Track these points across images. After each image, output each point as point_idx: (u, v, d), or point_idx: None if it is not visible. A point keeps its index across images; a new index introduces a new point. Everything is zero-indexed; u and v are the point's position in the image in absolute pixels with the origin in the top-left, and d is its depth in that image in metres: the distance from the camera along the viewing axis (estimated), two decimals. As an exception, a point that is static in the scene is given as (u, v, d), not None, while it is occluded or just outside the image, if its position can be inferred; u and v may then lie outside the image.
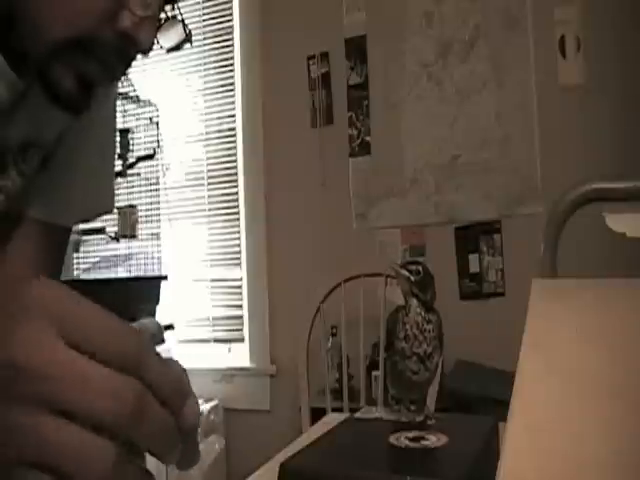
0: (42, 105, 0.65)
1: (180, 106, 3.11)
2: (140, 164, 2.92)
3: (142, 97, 2.93)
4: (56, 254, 0.82)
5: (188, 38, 0.68)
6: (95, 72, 0.60)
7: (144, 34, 0.59)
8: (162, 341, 2.62)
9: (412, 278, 0.83)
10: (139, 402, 0.33)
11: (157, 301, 2.65)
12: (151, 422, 0.33)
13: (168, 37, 0.66)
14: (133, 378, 0.33)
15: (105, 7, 0.57)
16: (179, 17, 0.66)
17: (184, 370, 0.39)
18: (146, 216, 2.91)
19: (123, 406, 0.32)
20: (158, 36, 0.63)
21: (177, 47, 0.67)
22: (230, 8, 3.01)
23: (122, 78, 0.66)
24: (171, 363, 0.36)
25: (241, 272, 2.95)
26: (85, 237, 3.01)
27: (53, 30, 0.57)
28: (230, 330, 2.99)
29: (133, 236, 2.89)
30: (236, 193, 2.98)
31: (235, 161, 2.99)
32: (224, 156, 3.03)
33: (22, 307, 0.33)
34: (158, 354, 0.35)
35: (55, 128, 0.72)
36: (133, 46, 0.59)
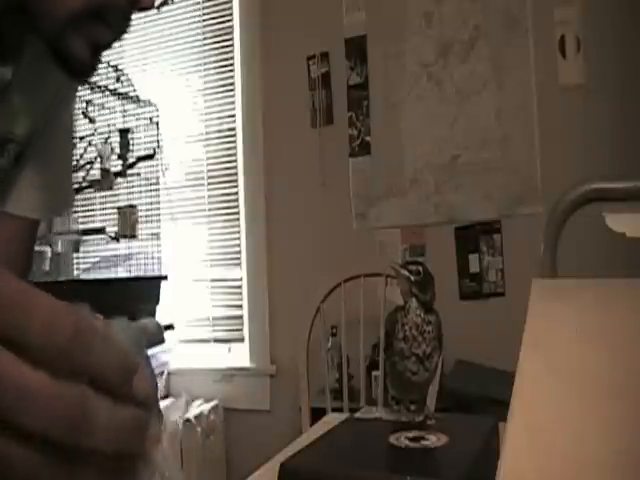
0: (20, 97, 0.66)
1: (180, 106, 3.11)
2: (140, 164, 2.92)
3: (142, 97, 2.93)
4: (27, 248, 0.84)
5: None
6: (106, 37, 0.63)
7: None
8: (162, 341, 2.62)
9: (412, 278, 0.83)
10: (79, 417, 0.28)
11: (157, 301, 2.65)
12: (102, 428, 0.28)
13: None
14: (67, 387, 0.28)
15: None
16: None
17: (128, 335, 0.34)
18: (146, 216, 2.91)
19: (61, 424, 0.27)
20: None
21: (163, 4, 0.69)
22: (230, 8, 3.01)
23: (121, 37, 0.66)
24: (109, 337, 0.30)
25: (241, 272, 2.95)
26: (85, 237, 3.01)
27: (69, 2, 0.59)
28: (230, 330, 2.99)
29: (133, 236, 2.89)
30: (236, 193, 2.98)
31: (235, 161, 2.99)
32: (224, 156, 3.03)
33: None
34: (93, 330, 0.29)
35: (29, 124, 0.74)
36: (139, 6, 0.62)
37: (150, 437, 0.31)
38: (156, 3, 0.67)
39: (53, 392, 0.27)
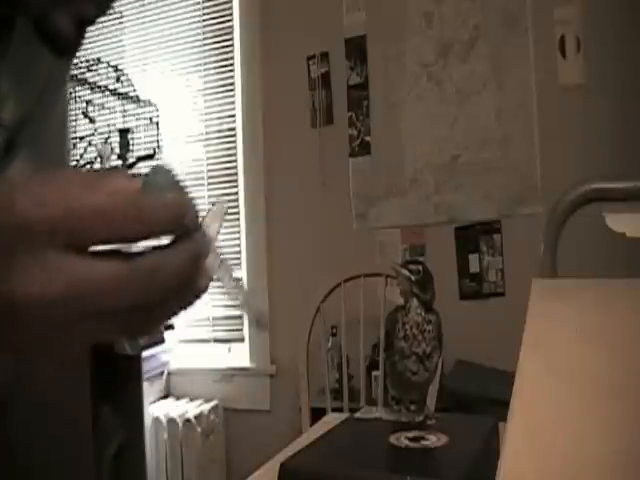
0: (8, 80, 0.66)
1: (180, 106, 3.11)
2: (140, 164, 2.91)
3: (142, 97, 2.93)
4: None
5: None
6: (90, 11, 0.62)
7: None
8: (162, 341, 2.62)
9: (413, 278, 0.83)
10: (152, 287, 0.33)
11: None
12: (177, 289, 0.34)
13: None
14: (136, 265, 0.33)
15: None
16: None
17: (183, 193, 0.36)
18: (146, 216, 2.90)
19: (136, 296, 0.33)
20: None
21: None
22: (230, 8, 3.01)
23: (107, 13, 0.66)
24: (165, 193, 0.34)
25: (241, 272, 2.95)
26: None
27: None
28: (230, 330, 2.99)
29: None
30: (236, 193, 2.98)
31: (235, 161, 2.99)
32: (224, 156, 3.03)
33: (20, 238, 0.31)
34: (148, 190, 0.33)
35: (18, 109, 0.73)
36: None
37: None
38: None
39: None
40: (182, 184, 0.35)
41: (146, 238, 0.33)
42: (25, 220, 0.31)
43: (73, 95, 2.74)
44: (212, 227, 0.38)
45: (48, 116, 0.79)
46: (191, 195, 0.35)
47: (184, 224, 0.34)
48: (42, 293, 0.31)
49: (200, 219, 0.36)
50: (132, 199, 0.32)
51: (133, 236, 0.33)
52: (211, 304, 3.02)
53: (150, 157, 2.92)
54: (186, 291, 0.36)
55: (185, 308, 0.36)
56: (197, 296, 0.37)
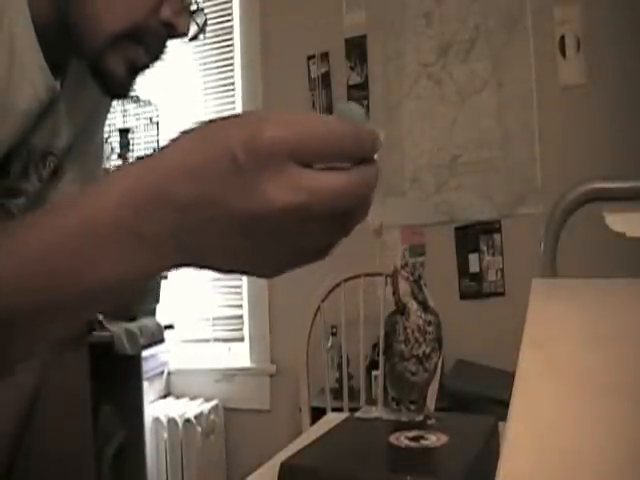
0: (63, 112, 0.70)
1: (180, 106, 3.10)
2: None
3: (142, 97, 2.93)
4: None
5: (203, 28, 0.76)
6: (142, 57, 0.69)
7: (182, 21, 0.69)
8: (162, 341, 2.62)
9: (411, 279, 0.83)
10: (365, 189, 0.42)
11: (157, 300, 2.65)
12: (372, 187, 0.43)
13: (192, 26, 0.74)
14: (355, 175, 0.41)
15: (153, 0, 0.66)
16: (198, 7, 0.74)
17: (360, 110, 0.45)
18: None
19: (355, 200, 0.41)
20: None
21: (195, 37, 0.74)
22: (230, 8, 3.01)
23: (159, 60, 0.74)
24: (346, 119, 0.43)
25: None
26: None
27: (109, 24, 0.65)
28: (230, 330, 2.99)
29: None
30: (236, 193, 2.98)
31: (235, 161, 2.99)
32: (224, 156, 3.03)
33: (262, 166, 0.39)
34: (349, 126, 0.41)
35: (69, 137, 0.77)
36: (173, 32, 0.69)
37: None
38: (189, 34, 0.73)
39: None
40: (367, 120, 0.44)
41: (360, 160, 0.41)
42: (266, 145, 0.39)
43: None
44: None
45: (89, 144, 0.85)
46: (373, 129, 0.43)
47: (373, 154, 0.42)
48: (281, 203, 0.38)
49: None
50: (351, 127, 0.41)
51: (352, 158, 0.41)
52: (211, 304, 3.02)
53: (150, 157, 2.91)
54: (368, 204, 0.44)
55: (362, 220, 0.45)
56: (367, 212, 0.45)
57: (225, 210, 0.39)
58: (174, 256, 0.42)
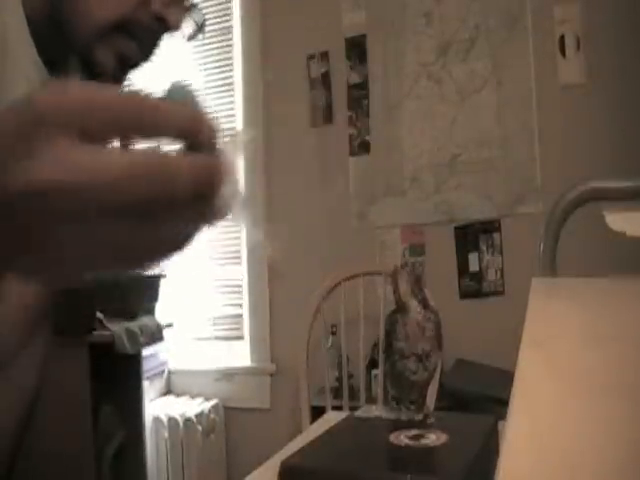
0: None
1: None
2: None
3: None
4: None
5: (202, 27, 0.74)
6: (133, 51, 0.69)
7: (173, 15, 0.68)
8: (162, 340, 2.62)
9: (412, 279, 0.83)
10: (163, 186, 0.33)
11: (156, 299, 2.65)
12: (188, 181, 0.33)
13: (189, 25, 0.74)
14: (148, 159, 0.33)
15: None
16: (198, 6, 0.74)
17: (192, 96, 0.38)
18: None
19: (149, 186, 0.32)
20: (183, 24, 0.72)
21: (193, 36, 0.74)
22: (230, 8, 3.01)
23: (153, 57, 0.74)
24: (176, 101, 0.36)
25: (241, 271, 2.95)
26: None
27: (99, 16, 0.65)
28: (230, 329, 2.99)
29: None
30: (236, 192, 2.98)
31: (235, 160, 2.99)
32: (224, 155, 3.03)
33: (26, 132, 0.32)
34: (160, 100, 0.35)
35: None
36: (164, 26, 0.68)
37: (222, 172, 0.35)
38: (186, 33, 0.72)
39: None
40: (202, 104, 0.36)
41: (158, 138, 0.34)
42: (42, 108, 0.32)
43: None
44: (230, 156, 0.36)
45: None
46: (210, 116, 0.35)
47: (198, 137, 0.34)
48: (53, 180, 0.31)
49: (217, 143, 0.35)
50: (148, 100, 0.34)
51: (146, 134, 0.34)
52: (211, 303, 3.02)
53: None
54: (197, 209, 0.35)
55: (193, 229, 0.36)
56: (207, 221, 0.36)
57: None
58: None
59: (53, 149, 0.32)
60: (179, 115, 0.34)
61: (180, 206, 0.34)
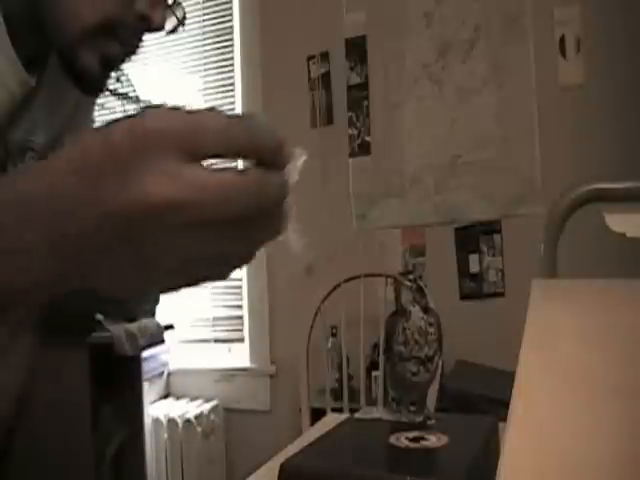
0: (41, 107, 0.69)
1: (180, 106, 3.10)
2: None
3: (142, 97, 2.93)
4: None
5: (182, 22, 0.73)
6: (117, 52, 0.68)
7: (157, 14, 0.67)
8: (162, 341, 2.62)
9: (414, 287, 0.83)
10: (260, 190, 0.37)
11: (157, 301, 2.65)
12: (273, 194, 0.39)
13: (170, 20, 0.72)
14: (247, 177, 0.37)
15: None
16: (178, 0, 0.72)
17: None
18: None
19: (247, 201, 0.36)
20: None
21: (174, 30, 0.72)
22: (230, 8, 3.01)
23: (133, 56, 0.72)
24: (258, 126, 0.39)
25: (241, 272, 2.95)
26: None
27: (81, 18, 0.64)
28: (230, 330, 2.99)
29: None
30: (236, 193, 2.98)
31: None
32: (224, 156, 3.03)
33: (140, 151, 0.35)
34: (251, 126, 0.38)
35: (49, 135, 0.76)
36: (148, 25, 0.67)
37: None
38: (167, 28, 0.71)
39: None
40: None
41: (252, 158, 0.38)
42: (148, 130, 0.35)
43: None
44: (292, 176, 0.41)
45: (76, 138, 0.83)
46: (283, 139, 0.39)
47: (281, 157, 0.39)
48: (160, 197, 0.34)
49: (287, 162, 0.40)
50: (246, 122, 0.37)
51: (244, 154, 0.38)
52: (211, 304, 3.02)
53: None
54: (275, 220, 0.40)
55: (263, 243, 0.40)
56: (276, 234, 0.41)
57: (98, 202, 0.35)
58: (52, 264, 0.37)
59: (166, 167, 0.34)
60: (271, 138, 0.38)
61: (265, 220, 0.38)
